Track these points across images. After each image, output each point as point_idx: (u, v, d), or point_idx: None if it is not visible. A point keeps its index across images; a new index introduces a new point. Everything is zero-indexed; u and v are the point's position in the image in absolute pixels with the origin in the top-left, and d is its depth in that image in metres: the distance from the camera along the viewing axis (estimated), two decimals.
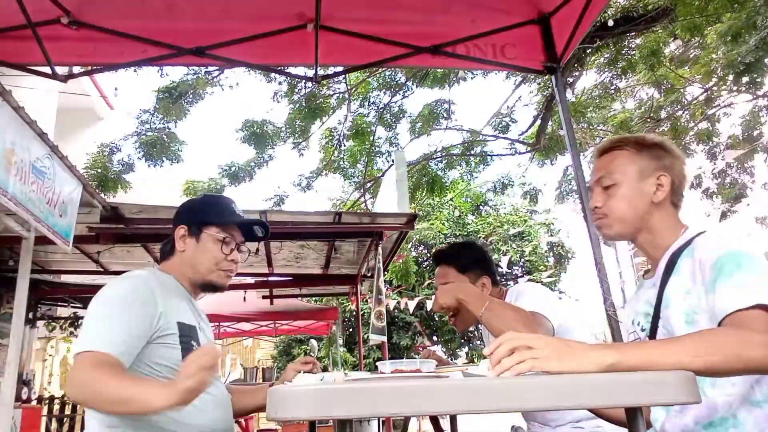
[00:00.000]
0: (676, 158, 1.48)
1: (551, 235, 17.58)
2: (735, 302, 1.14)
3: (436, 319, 16.95)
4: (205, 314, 1.89)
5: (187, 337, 1.62)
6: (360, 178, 9.90)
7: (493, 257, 9.81)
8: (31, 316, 8.25)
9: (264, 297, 9.18)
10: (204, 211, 1.78)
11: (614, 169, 1.46)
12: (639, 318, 1.45)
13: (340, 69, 3.87)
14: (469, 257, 2.19)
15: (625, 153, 1.47)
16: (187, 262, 1.74)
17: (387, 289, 13.45)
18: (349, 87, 8.74)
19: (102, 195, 6.11)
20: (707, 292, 1.23)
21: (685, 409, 1.30)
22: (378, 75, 8.79)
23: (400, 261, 9.79)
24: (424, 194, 9.42)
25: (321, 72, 3.03)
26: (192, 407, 1.28)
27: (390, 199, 6.68)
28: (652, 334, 1.37)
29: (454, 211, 18.51)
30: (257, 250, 6.01)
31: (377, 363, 1.45)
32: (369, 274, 8.10)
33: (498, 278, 2.25)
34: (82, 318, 9.41)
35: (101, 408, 1.43)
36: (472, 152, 9.66)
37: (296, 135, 8.90)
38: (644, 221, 1.43)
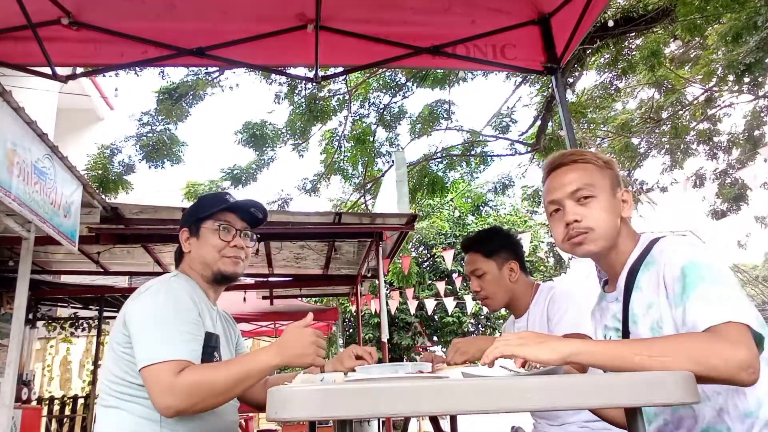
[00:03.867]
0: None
1: (551, 236, 17.56)
2: (706, 318, 1.13)
3: (436, 319, 16.96)
4: (230, 315, 1.92)
5: (212, 347, 1.61)
6: (360, 178, 9.90)
7: None
8: (31, 316, 8.25)
9: (264, 297, 9.18)
10: (198, 209, 1.81)
11: (591, 181, 1.37)
12: (610, 333, 1.44)
13: (340, 69, 3.87)
14: (495, 242, 2.19)
15: (594, 166, 1.40)
16: (195, 260, 1.77)
17: (387, 290, 13.47)
18: (349, 88, 8.74)
19: (103, 196, 6.12)
20: (674, 305, 1.23)
21: (680, 425, 1.30)
22: (378, 75, 8.79)
23: (405, 269, 9.82)
24: (424, 195, 9.43)
25: (321, 73, 3.03)
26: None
27: (390, 199, 6.67)
28: None
29: (454, 212, 18.51)
30: (257, 250, 6.02)
31: (357, 367, 1.44)
32: (369, 275, 8.11)
33: (526, 265, 2.25)
34: (82, 318, 9.42)
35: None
36: (473, 153, 9.66)
37: (296, 136, 8.90)
38: (616, 234, 1.38)
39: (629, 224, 1.43)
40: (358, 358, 1.75)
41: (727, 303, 1.13)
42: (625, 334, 1.37)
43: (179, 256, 1.85)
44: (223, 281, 1.79)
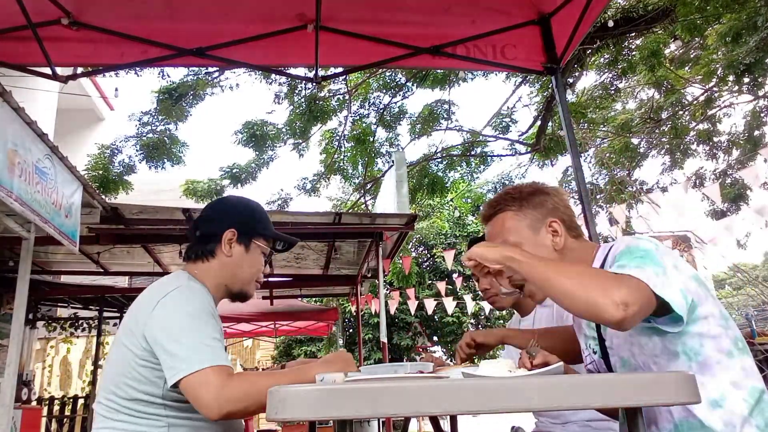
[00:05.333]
0: (554, 195, 1.46)
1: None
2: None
3: (436, 319, 16.95)
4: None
5: None
6: (360, 178, 9.91)
7: None
8: (31, 316, 8.26)
9: (264, 297, 9.18)
10: (256, 220, 1.72)
11: (507, 233, 1.43)
12: (590, 342, 1.46)
13: (340, 70, 3.88)
14: None
15: (510, 214, 1.44)
16: (229, 269, 1.66)
17: (387, 290, 13.47)
18: (349, 88, 8.74)
19: (103, 196, 6.12)
20: None
21: (655, 420, 1.29)
22: (378, 76, 8.79)
23: (405, 269, 9.82)
24: (424, 195, 9.43)
25: (321, 73, 3.03)
26: None
27: (390, 199, 6.68)
28: (605, 357, 1.39)
29: (454, 212, 18.52)
30: None
31: (360, 368, 1.47)
32: (369, 275, 8.11)
33: None
34: (82, 319, 9.42)
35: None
36: (473, 153, 9.66)
37: (296, 136, 8.90)
38: None
39: (573, 244, 1.43)
40: None
41: (637, 270, 1.16)
42: (601, 340, 1.40)
43: (207, 252, 1.66)
44: (237, 299, 1.73)
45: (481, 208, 1.54)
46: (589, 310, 1.12)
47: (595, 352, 1.43)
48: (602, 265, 1.36)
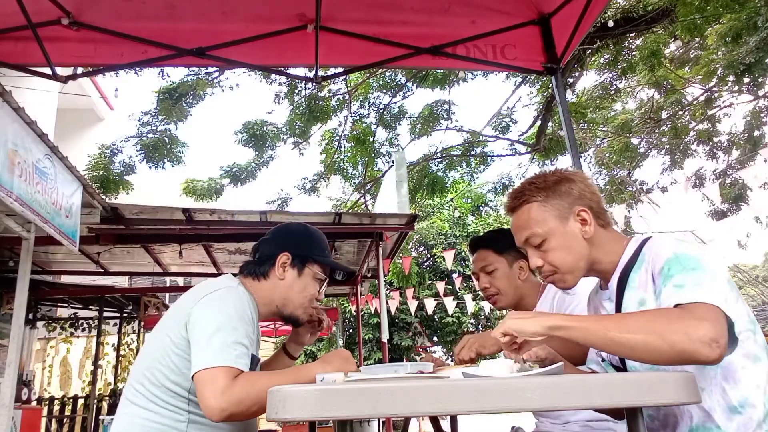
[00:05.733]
0: (580, 182, 1.42)
1: None
2: (677, 300, 1.15)
3: (436, 319, 16.95)
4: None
5: (251, 370, 1.56)
6: (360, 178, 9.90)
7: None
8: (31, 316, 8.25)
9: None
10: (311, 246, 1.74)
11: (534, 225, 1.39)
12: None
13: (340, 70, 3.88)
14: (506, 240, 2.16)
15: (535, 205, 1.40)
16: (281, 292, 1.68)
17: (387, 290, 13.47)
18: (349, 88, 8.74)
19: (103, 196, 6.12)
20: (658, 297, 1.25)
21: (666, 422, 1.29)
22: (378, 76, 8.79)
23: (405, 270, 9.82)
24: (424, 195, 9.42)
25: (321, 73, 3.03)
26: None
27: (390, 199, 6.68)
28: None
29: (454, 212, 18.51)
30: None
31: (361, 368, 1.49)
32: (369, 275, 8.11)
33: None
34: (82, 319, 9.43)
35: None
36: (473, 153, 9.66)
37: (296, 136, 8.90)
38: (588, 258, 1.38)
39: (602, 234, 1.40)
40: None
41: (698, 288, 1.14)
42: None
43: (262, 272, 1.69)
44: (287, 322, 1.74)
45: (505, 198, 1.51)
46: (677, 359, 1.07)
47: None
48: (634, 261, 1.34)
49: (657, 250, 1.29)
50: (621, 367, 1.38)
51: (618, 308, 1.37)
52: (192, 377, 1.41)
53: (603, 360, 1.47)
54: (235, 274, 1.74)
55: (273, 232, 1.80)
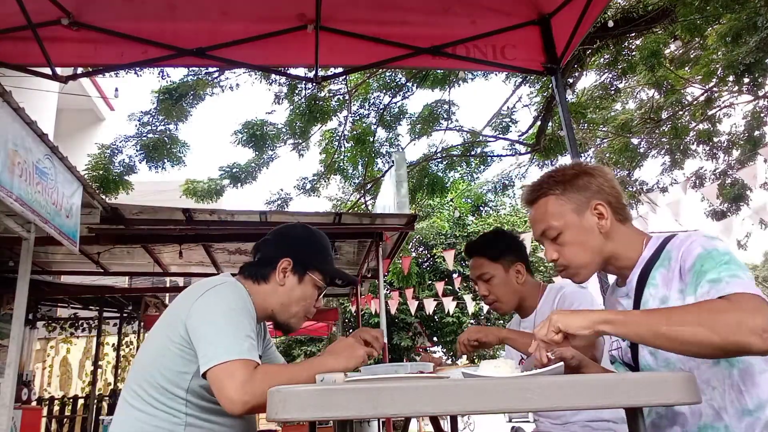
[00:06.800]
0: (599, 176, 1.41)
1: None
2: (717, 292, 1.15)
3: (436, 319, 16.96)
4: (268, 331, 1.84)
5: None
6: (360, 178, 9.90)
7: None
8: (31, 316, 8.26)
9: None
10: (313, 253, 1.71)
11: (551, 218, 1.39)
12: None
13: (340, 70, 3.88)
14: (500, 245, 2.16)
15: (553, 198, 1.40)
16: (279, 297, 1.65)
17: (387, 290, 13.47)
18: (349, 88, 8.74)
19: (103, 196, 6.12)
20: (689, 295, 1.24)
21: (675, 420, 1.29)
22: (378, 76, 8.78)
23: (405, 270, 9.82)
24: (424, 195, 9.42)
25: (321, 73, 3.04)
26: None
27: (390, 200, 6.68)
28: (633, 345, 1.37)
29: (454, 212, 18.52)
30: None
31: (360, 368, 1.48)
32: (369, 275, 8.11)
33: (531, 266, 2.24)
34: (82, 319, 9.43)
35: None
36: (473, 153, 9.66)
37: (296, 136, 8.90)
38: (604, 253, 1.38)
39: (620, 229, 1.39)
40: (366, 344, 1.68)
41: (737, 280, 1.14)
42: None
43: (263, 275, 1.66)
44: (279, 328, 1.71)
45: (523, 191, 1.51)
46: (729, 350, 1.08)
47: (624, 340, 1.40)
48: (656, 258, 1.34)
49: (687, 248, 1.28)
50: (633, 367, 1.38)
51: (636, 305, 1.36)
52: (204, 374, 1.38)
53: (613, 362, 1.46)
54: (234, 275, 1.70)
55: (275, 234, 1.76)
